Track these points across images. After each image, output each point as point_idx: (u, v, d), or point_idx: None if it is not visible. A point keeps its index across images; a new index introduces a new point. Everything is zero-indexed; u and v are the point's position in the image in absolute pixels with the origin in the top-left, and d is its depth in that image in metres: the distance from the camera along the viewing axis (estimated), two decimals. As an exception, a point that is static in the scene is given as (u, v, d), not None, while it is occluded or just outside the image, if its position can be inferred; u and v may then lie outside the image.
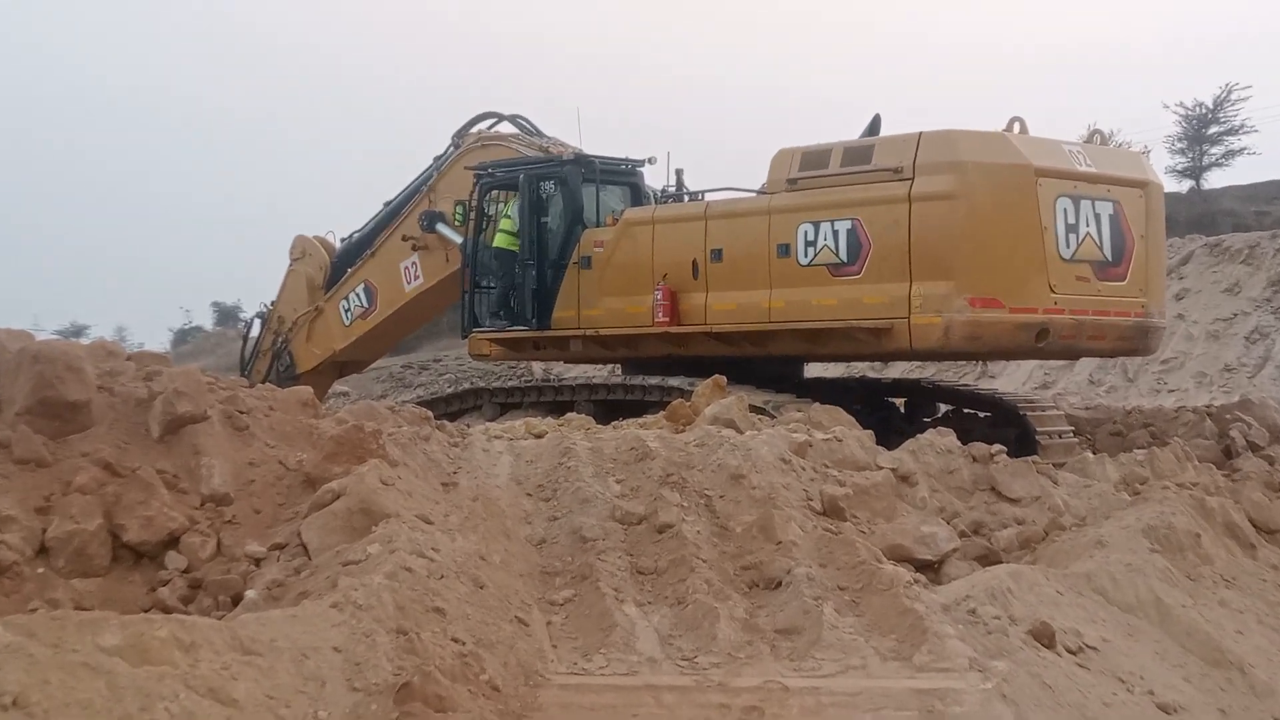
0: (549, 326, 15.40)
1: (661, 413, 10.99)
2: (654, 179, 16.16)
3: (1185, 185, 45.55)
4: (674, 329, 14.17)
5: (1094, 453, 12.03)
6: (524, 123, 17.12)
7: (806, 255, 13.16)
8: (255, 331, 19.93)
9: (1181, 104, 46.80)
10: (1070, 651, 7.11)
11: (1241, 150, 45.96)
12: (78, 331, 54.87)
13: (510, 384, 17.14)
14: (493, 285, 16.19)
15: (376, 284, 18.20)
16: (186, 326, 59.50)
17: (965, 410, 15.68)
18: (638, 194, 16.02)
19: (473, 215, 16.16)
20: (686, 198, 15.62)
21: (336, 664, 5.29)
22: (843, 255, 12.92)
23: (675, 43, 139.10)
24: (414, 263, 17.75)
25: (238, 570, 6.68)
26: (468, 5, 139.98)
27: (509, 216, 15.89)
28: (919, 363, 24.17)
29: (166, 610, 6.25)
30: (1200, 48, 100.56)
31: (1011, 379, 26.47)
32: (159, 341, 55.12)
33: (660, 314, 14.14)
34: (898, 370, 24.31)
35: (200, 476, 7.06)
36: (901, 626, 6.91)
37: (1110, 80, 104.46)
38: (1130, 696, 6.96)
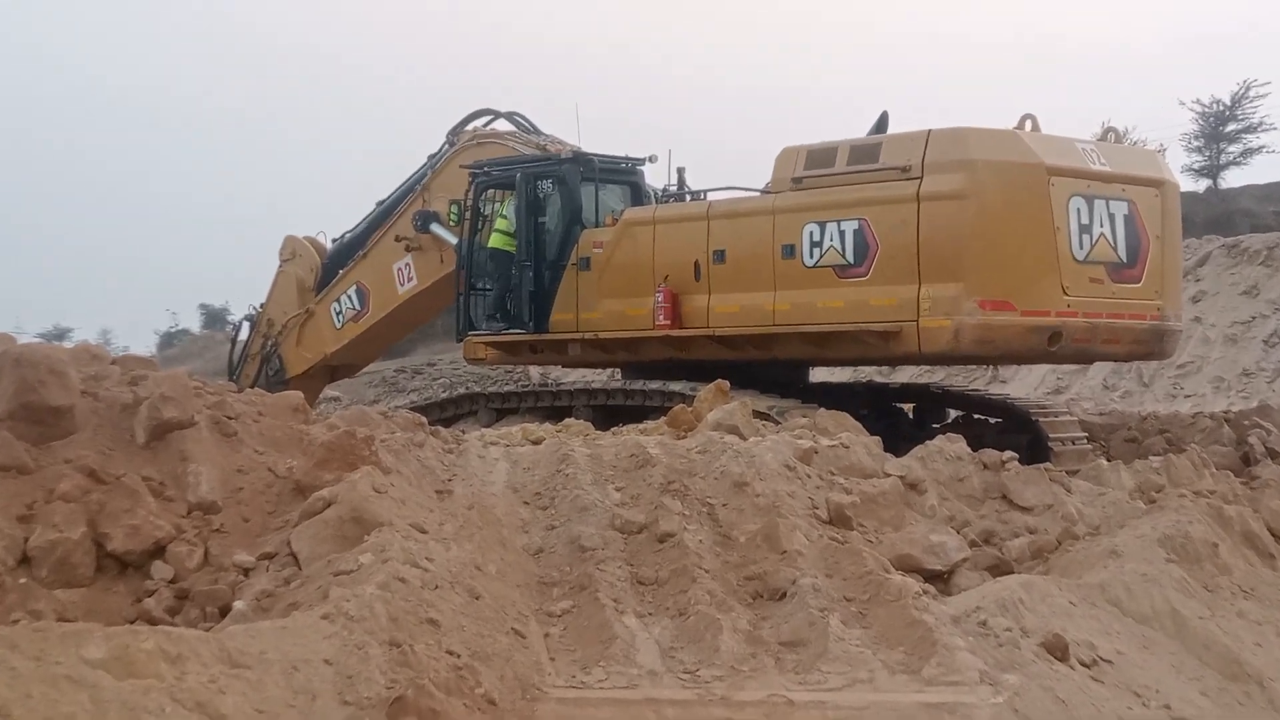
0: (546, 330, 15.40)
1: (662, 418, 10.99)
2: (655, 178, 16.17)
3: (1202, 184, 45.55)
4: (675, 332, 14.16)
5: (1108, 460, 12.03)
6: (521, 120, 17.13)
7: (812, 256, 13.17)
8: (244, 335, 19.91)
9: (1198, 101, 46.81)
10: (1084, 664, 7.11)
11: (1260, 148, 45.91)
12: (61, 334, 54.86)
13: (507, 389, 17.16)
14: (488, 287, 16.20)
15: (369, 286, 18.20)
16: (173, 329, 59.47)
17: (975, 416, 15.66)
18: (638, 193, 16.01)
19: (468, 215, 16.16)
20: (688, 197, 15.61)
21: (328, 677, 5.29)
22: (849, 256, 12.93)
23: (675, 41, 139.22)
24: (407, 264, 17.75)
25: (226, 580, 6.69)
26: (466, 3, 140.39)
27: (505, 216, 15.89)
28: (928, 367, 24.13)
29: (152, 622, 6.24)
30: (1203, 45, 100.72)
31: (1023, 384, 26.46)
32: (144, 345, 55.12)
33: (661, 317, 14.13)
34: (906, 375, 24.26)
35: (187, 484, 7.06)
36: (910, 639, 6.91)
37: (1111, 79, 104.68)
38: (1146, 711, 6.96)
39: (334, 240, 19.03)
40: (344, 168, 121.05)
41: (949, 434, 10.29)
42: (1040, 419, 14.43)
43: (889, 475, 9.07)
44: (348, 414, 9.02)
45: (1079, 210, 12.63)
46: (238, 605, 6.34)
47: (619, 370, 16.30)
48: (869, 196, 12.86)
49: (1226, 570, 8.71)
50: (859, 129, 13.77)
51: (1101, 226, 12.79)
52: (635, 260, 14.61)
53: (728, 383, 11.36)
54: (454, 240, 16.60)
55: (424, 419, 9.34)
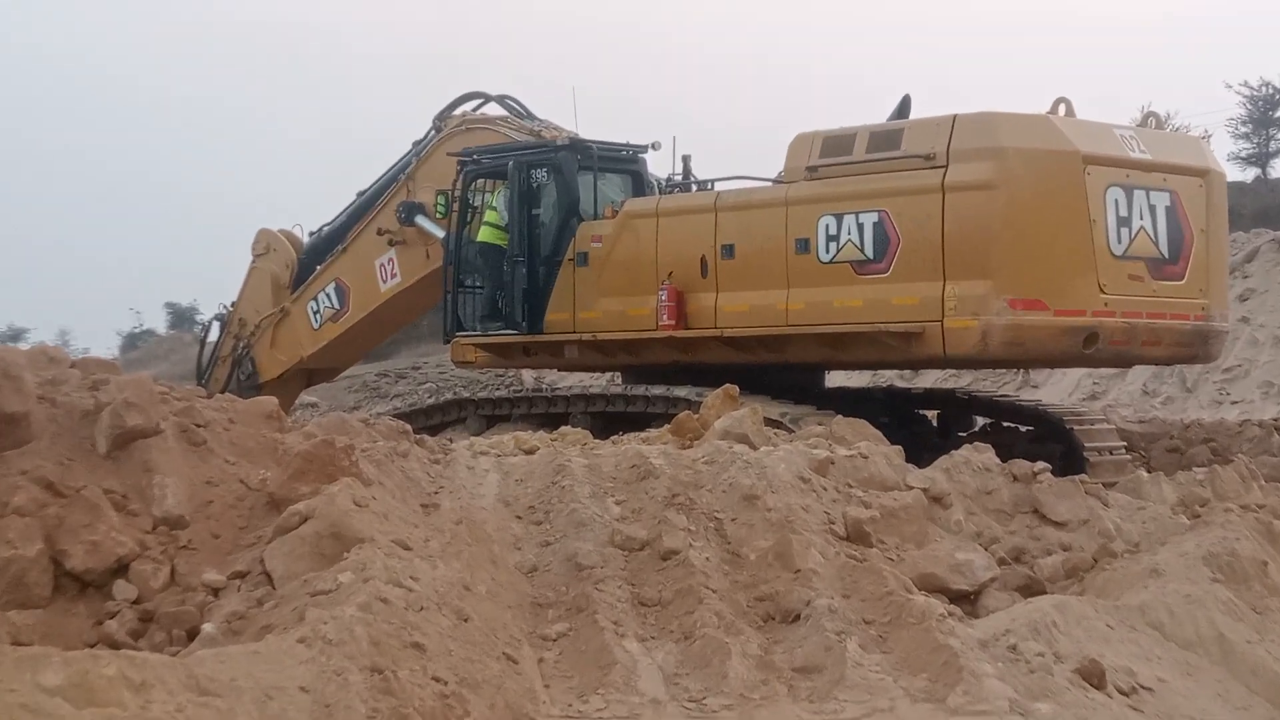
0: (541, 330, 15.41)
1: (666, 426, 11.00)
2: (658, 166, 16.20)
3: (1250, 173, 45.67)
4: (680, 333, 14.18)
5: (1149, 471, 12.04)
6: (513, 104, 17.14)
7: (828, 251, 13.18)
8: (214, 336, 19.93)
9: (1246, 83, 46.88)
10: (1122, 693, 7.11)
11: (1315, 135, 46.07)
12: (15, 335, 55.04)
13: (498, 394, 17.18)
14: (478, 284, 16.20)
15: (349, 283, 18.21)
16: (137, 330, 59.68)
17: (1005, 424, 15.68)
18: (640, 183, 16.03)
19: (456, 207, 16.17)
20: (694, 187, 15.63)
21: (304, 706, 5.29)
22: (868, 251, 12.94)
23: (679, 9, 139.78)
24: (390, 259, 17.77)
25: (194, 601, 6.69)
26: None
27: (495, 208, 15.90)
28: (953, 371, 24.16)
29: (114, 645, 6.25)
30: (1251, 19, 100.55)
31: (1056, 389, 26.48)
32: (106, 347, 55.25)
33: (665, 316, 14.15)
34: (930, 379, 24.29)
35: (152, 497, 7.06)
36: (934, 664, 6.91)
37: (1153, 59, 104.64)
38: (1189, 743, 6.97)
39: (311, 234, 19.03)
40: (320, 157, 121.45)
41: (976, 443, 10.30)
42: (1075, 427, 14.44)
43: (911, 488, 9.08)
44: (326, 421, 9.03)
45: (1117, 201, 12.64)
46: (206, 628, 6.34)
47: (619, 374, 16.31)
48: (890, 187, 12.87)
49: (1277, 591, 8.70)
50: (886, 112, 13.79)
51: (1141, 219, 12.79)
52: (637, 255, 14.62)
53: (737, 388, 11.36)
54: (441, 234, 16.61)
55: (408, 427, 9.35)
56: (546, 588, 7.59)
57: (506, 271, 15.64)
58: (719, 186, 14.93)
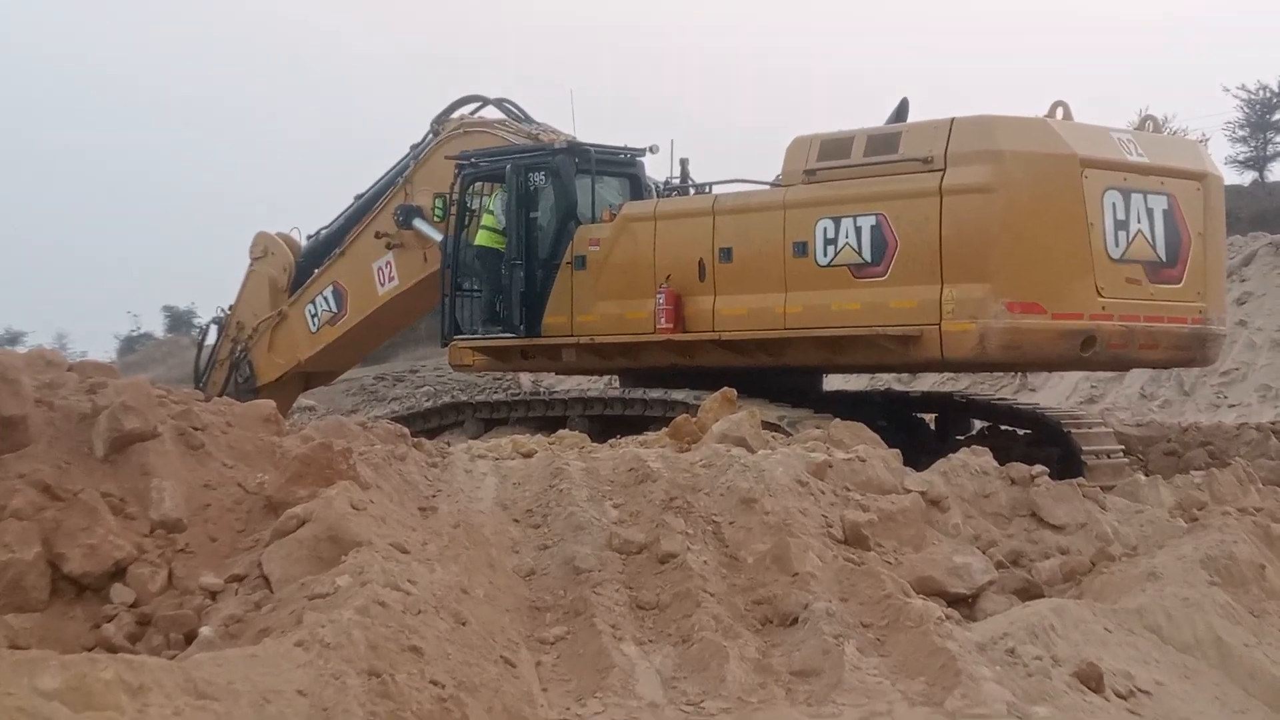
0: (538, 334, 15.41)
1: (664, 430, 11.00)
2: (656, 169, 16.20)
3: (1248, 177, 45.66)
4: (678, 336, 14.18)
5: (1146, 474, 12.04)
6: (511, 107, 17.16)
7: (826, 254, 13.19)
8: (211, 339, 19.93)
9: (1243, 87, 46.89)
10: (1120, 696, 7.11)
11: (1313, 139, 46.09)
12: (13, 339, 55.05)
13: (495, 398, 17.15)
14: (476, 288, 16.21)
15: (346, 286, 18.21)
16: (134, 333, 59.67)
17: (1003, 427, 15.69)
18: (638, 186, 16.04)
19: (454, 210, 16.18)
20: (692, 190, 15.64)
21: (301, 709, 5.29)
22: (866, 254, 12.95)
23: (678, 10, 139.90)
24: (388, 263, 17.77)
25: (191, 604, 6.68)
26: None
27: (493, 211, 15.91)
28: (951, 374, 24.20)
29: (112, 649, 6.25)
30: (1249, 20, 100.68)
31: (1054, 392, 26.47)
32: (103, 350, 55.26)
33: (663, 320, 14.15)
34: (927, 382, 24.34)
35: (150, 500, 7.06)
36: (932, 668, 6.91)
37: (1150, 61, 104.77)
38: (1187, 746, 6.97)
39: (309, 237, 19.03)
40: (320, 157, 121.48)
41: (974, 446, 10.30)
42: (1073, 430, 14.45)
43: (909, 491, 9.08)
44: (323, 425, 9.03)
45: (1114, 205, 12.66)
46: (204, 631, 6.34)
47: (617, 378, 16.32)
48: (888, 190, 12.88)
49: (1274, 594, 8.71)
50: (884, 115, 13.80)
51: (1139, 222, 12.81)
52: (635, 259, 14.62)
53: (734, 391, 11.37)
54: (438, 237, 16.62)
55: (406, 430, 9.34)
56: (544, 591, 7.59)
57: (504, 275, 15.65)
58: (717, 189, 14.93)
